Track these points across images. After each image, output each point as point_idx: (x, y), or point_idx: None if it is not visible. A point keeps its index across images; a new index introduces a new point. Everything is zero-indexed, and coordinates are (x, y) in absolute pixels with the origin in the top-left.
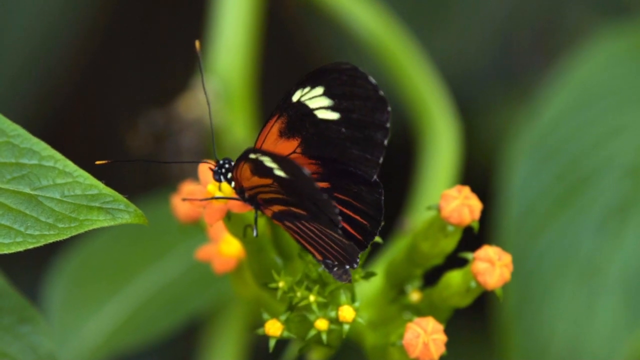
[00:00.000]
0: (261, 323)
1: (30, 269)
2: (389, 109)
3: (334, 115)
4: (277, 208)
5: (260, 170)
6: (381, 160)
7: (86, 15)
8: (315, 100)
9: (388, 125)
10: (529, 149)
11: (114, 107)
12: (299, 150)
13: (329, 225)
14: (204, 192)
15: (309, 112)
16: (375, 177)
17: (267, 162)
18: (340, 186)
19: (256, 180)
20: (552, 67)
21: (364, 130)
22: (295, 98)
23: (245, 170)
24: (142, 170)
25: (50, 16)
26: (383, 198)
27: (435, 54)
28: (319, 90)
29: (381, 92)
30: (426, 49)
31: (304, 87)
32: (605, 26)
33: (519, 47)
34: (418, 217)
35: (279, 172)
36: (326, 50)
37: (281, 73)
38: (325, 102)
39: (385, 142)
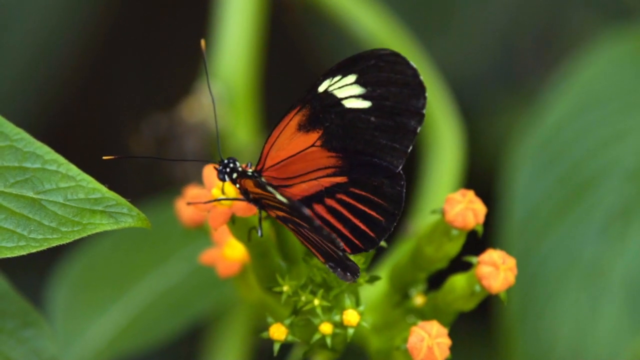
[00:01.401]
0: (265, 327)
1: (34, 272)
2: (426, 94)
3: (364, 104)
4: (281, 213)
5: (262, 187)
6: (410, 149)
7: (88, 18)
8: (346, 89)
9: (424, 111)
10: (532, 153)
11: (117, 111)
12: (318, 143)
13: (331, 243)
14: (208, 196)
15: (336, 102)
16: (400, 168)
17: (270, 187)
18: (359, 180)
19: (260, 191)
20: (554, 71)
21: (396, 117)
22: (322, 88)
23: (249, 182)
24: (145, 174)
25: (52, 20)
26: (405, 191)
27: (437, 58)
28: (351, 78)
29: (421, 77)
30: (428, 53)
31: (333, 76)
32: (607, 30)
33: (521, 51)
34: (422, 221)
35: (281, 198)
36: (329, 54)
37: (284, 77)
38: (357, 90)
39: (419, 129)
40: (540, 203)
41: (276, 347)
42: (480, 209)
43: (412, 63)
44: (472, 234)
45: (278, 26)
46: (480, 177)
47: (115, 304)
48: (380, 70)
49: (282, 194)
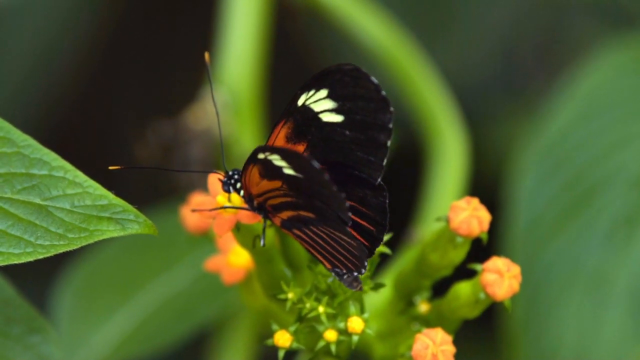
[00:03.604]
0: (270, 334)
1: (39, 278)
2: (392, 109)
3: (338, 118)
4: (285, 214)
5: (269, 171)
6: (385, 162)
7: (90, 25)
8: (320, 103)
9: (391, 125)
10: (536, 160)
11: (120, 118)
12: (305, 154)
13: (338, 226)
14: (213, 203)
15: (314, 116)
16: (379, 180)
17: (276, 160)
18: (346, 191)
19: (265, 185)
20: (556, 79)
21: (367, 131)
22: (300, 102)
23: (254, 174)
24: (151, 182)
25: (53, 26)
26: (387, 202)
27: (438, 65)
28: (323, 92)
29: (383, 93)
30: (429, 60)
31: (308, 90)
32: (609, 37)
33: (522, 58)
34: (427, 228)
35: (289, 171)
36: (334, 61)
37: (289, 84)
38: (330, 104)
39: (389, 143)
40: (545, 210)
41: (281, 354)
42: (484, 216)
43: (374, 78)
44: (476, 242)
45: (282, 33)
46: (485, 184)
47: (121, 310)
48: (346, 85)
49: (288, 164)
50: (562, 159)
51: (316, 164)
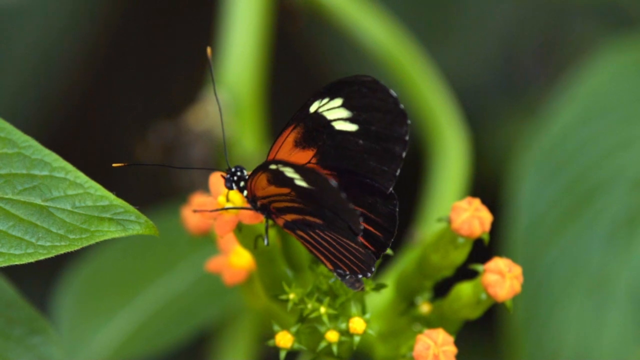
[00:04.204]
0: (271, 334)
1: (41, 279)
2: (409, 121)
3: (352, 127)
4: (290, 217)
5: (278, 180)
6: (398, 172)
7: (92, 27)
8: (334, 111)
9: (407, 138)
10: (537, 161)
11: (121, 120)
12: (314, 160)
13: (346, 234)
14: (214, 204)
15: (327, 123)
16: (391, 189)
17: (289, 172)
18: (355, 197)
19: (272, 190)
20: (556, 81)
21: (382, 142)
22: (312, 109)
23: (262, 180)
24: (151, 182)
25: (53, 28)
26: (397, 210)
27: (440, 67)
28: (338, 101)
29: (401, 106)
30: (431, 62)
31: (322, 98)
32: (610, 40)
33: (523, 60)
34: (428, 229)
35: (301, 183)
36: (335, 63)
37: (290, 85)
38: (344, 113)
39: (404, 154)
40: (546, 211)
41: (282, 354)
42: (486, 217)
43: (392, 91)
44: (478, 242)
45: (283, 35)
46: (486, 185)
47: (122, 312)
48: (363, 96)
49: (302, 177)
50: (563, 160)
51: (333, 183)
